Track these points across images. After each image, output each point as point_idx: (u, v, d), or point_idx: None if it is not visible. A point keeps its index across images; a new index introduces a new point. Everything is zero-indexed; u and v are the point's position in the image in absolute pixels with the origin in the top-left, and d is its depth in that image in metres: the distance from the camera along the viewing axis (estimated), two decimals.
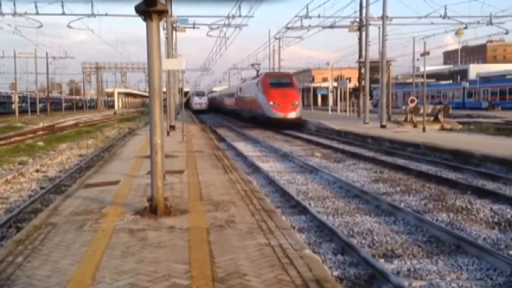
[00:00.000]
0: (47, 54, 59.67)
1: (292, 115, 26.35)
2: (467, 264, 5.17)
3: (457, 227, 6.58)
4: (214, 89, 77.04)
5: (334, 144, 17.27)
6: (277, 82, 27.81)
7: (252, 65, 40.07)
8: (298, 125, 26.40)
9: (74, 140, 22.53)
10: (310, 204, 8.07)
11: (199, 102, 60.03)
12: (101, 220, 5.91)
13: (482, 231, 6.36)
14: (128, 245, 4.90)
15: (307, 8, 28.55)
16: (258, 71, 36.81)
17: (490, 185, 9.29)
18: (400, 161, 12.82)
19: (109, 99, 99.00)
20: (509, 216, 6.98)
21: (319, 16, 29.20)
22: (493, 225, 6.59)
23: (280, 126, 25.65)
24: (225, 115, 47.51)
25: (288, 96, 26.55)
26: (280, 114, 26.18)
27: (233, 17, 28.07)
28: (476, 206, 7.61)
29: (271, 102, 26.51)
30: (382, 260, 5.33)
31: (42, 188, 10.40)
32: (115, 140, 21.80)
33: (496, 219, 6.89)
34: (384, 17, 22.50)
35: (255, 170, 11.91)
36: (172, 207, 6.25)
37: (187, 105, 60.38)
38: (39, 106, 57.39)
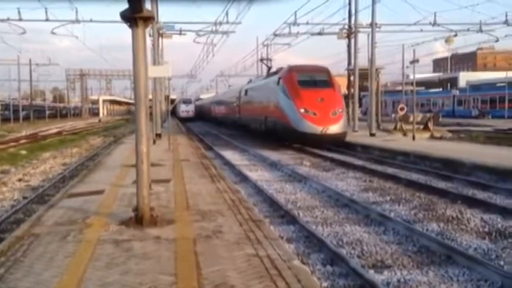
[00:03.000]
0: (30, 61, 59.22)
1: (334, 129, 18.13)
2: (457, 275, 5.12)
3: (448, 237, 6.54)
4: (201, 97, 76.82)
5: (323, 152, 17.23)
6: (310, 80, 19.68)
7: (261, 60, 31.80)
8: (340, 143, 18.63)
9: (57, 148, 22.22)
10: (299, 213, 7.99)
11: (186, 110, 59.77)
12: (85, 231, 5.78)
13: (473, 241, 6.32)
14: (113, 256, 4.79)
15: (296, 15, 28.51)
16: (270, 68, 28.46)
17: (480, 195, 9.29)
18: (390, 170, 12.81)
19: (94, 106, 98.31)
20: (499, 226, 6.96)
21: (307, 23, 29.17)
22: (483, 235, 6.56)
23: (316, 144, 18.40)
24: (218, 125, 42.11)
25: (327, 100, 18.64)
26: (316, 128, 17.96)
27: (220, 23, 27.99)
28: (466, 215, 7.58)
29: (302, 110, 18.32)
30: (371, 271, 5.27)
31: (24, 197, 10.21)
32: (100, 149, 21.56)
33: (486, 229, 6.87)
34: (372, 24, 22.65)
35: (243, 179, 11.81)
36: (158, 217, 6.13)
37: (174, 113, 60.18)
38: (22, 114, 56.72)
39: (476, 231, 6.77)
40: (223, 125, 38.78)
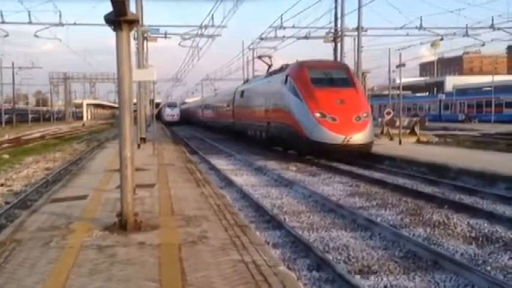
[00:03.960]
0: (13, 64, 58.47)
1: (359, 138, 14.91)
2: (444, 281, 5.11)
3: (434, 242, 6.54)
4: (186, 100, 76.52)
5: (309, 157, 17.21)
6: (326, 78, 16.61)
7: (259, 57, 26.95)
8: (366, 153, 15.51)
9: (40, 152, 21.95)
10: (285, 219, 7.94)
11: (171, 114, 59.51)
12: (68, 236, 5.68)
13: (459, 246, 6.33)
14: (96, 262, 4.70)
15: (282, 19, 28.50)
16: (270, 66, 24.56)
17: (467, 199, 9.33)
18: (377, 175, 12.84)
19: (77, 110, 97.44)
20: (486, 231, 6.99)
21: (293, 27, 29.12)
22: (470, 240, 6.57)
23: (335, 157, 15.49)
24: (208, 130, 39.46)
25: (348, 102, 15.55)
26: (336, 137, 14.73)
27: (206, 26, 27.89)
28: (453, 220, 7.60)
29: (318, 114, 15.18)
30: (358, 276, 5.24)
31: (7, 202, 10.07)
32: (83, 153, 21.32)
33: (473, 234, 6.89)
34: (359, 28, 22.75)
35: (229, 183, 11.74)
36: (142, 223, 6.05)
37: (159, 117, 59.88)
38: (4, 118, 55.95)
39: (463, 236, 6.78)
40: (216, 131, 35.33)
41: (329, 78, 16.63)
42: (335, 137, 14.75)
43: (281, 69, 19.94)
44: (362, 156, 15.24)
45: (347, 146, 14.85)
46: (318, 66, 17.64)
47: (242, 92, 25.75)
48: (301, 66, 17.48)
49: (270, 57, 25.45)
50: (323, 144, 14.92)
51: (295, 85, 16.50)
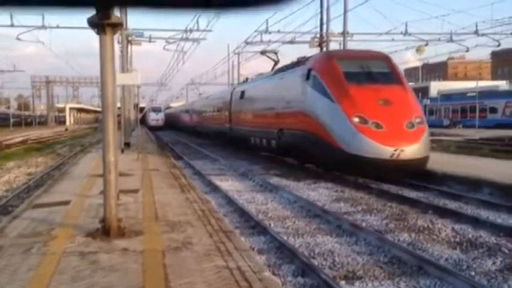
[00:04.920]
0: None
1: (412, 151, 11.49)
2: (429, 286, 5.12)
3: (419, 247, 6.56)
4: (171, 105, 76.22)
5: (294, 162, 17.22)
6: (362, 71, 13.10)
7: (263, 52, 22.69)
8: (419, 171, 11.94)
9: (22, 157, 21.63)
10: (270, 224, 7.91)
11: (156, 119, 59.23)
12: (49, 243, 5.58)
13: (444, 251, 6.36)
14: (78, 269, 4.62)
15: (267, 23, 28.61)
16: (276, 62, 20.97)
17: (451, 205, 9.38)
18: (361, 180, 12.87)
19: (60, 114, 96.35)
20: (470, 236, 7.03)
21: (279, 31, 29.30)
22: (454, 246, 6.60)
23: (381, 174, 11.90)
24: (198, 136, 36.66)
25: (396, 104, 12.14)
26: (383, 150, 11.32)
27: (191, 30, 27.82)
28: (437, 225, 7.64)
29: (356, 119, 11.78)
30: (343, 282, 5.23)
31: None
32: (66, 158, 21.06)
33: (457, 239, 6.92)
34: (344, 33, 22.93)
35: (213, 189, 11.69)
36: (126, 229, 5.97)
37: (143, 121, 59.50)
38: None
39: (447, 242, 6.81)
40: (208, 138, 32.25)
41: (367, 72, 12.97)
42: (381, 150, 11.14)
43: (298, 62, 16.10)
44: (413, 174, 11.78)
45: (397, 162, 11.22)
46: (351, 56, 14.07)
47: (242, 93, 22.03)
48: (329, 57, 14.15)
49: (275, 52, 21.49)
50: (364, 159, 11.25)
51: (323, 81, 12.93)
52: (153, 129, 54.27)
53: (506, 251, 6.28)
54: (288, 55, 24.53)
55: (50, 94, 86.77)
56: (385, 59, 14.02)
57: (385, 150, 11.23)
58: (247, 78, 24.72)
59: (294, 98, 14.82)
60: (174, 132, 49.76)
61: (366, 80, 12.75)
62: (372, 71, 13.09)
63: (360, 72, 13.02)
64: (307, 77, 13.83)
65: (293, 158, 16.25)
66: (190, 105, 45.42)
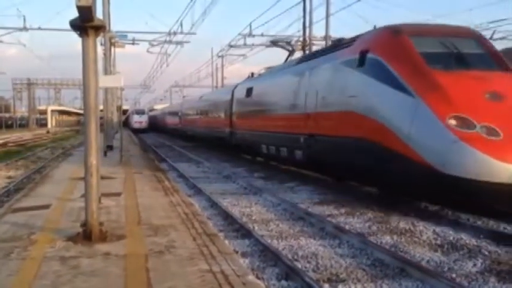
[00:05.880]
0: None
1: None
2: None
3: (401, 249, 6.61)
4: (155, 107, 75.81)
5: (279, 165, 17.26)
6: (449, 52, 9.13)
7: (274, 42, 20.14)
8: None
9: (2, 160, 21.27)
10: (254, 227, 7.90)
11: (139, 121, 58.82)
12: (30, 247, 5.51)
13: (425, 253, 6.41)
14: (59, 273, 4.57)
15: (251, 26, 28.78)
16: (291, 52, 17.95)
17: (432, 207, 9.41)
18: (344, 183, 12.92)
19: (42, 117, 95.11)
20: (451, 238, 7.09)
21: (262, 35, 29.52)
22: (436, 248, 6.66)
23: (494, 204, 7.56)
24: (182, 139, 35.11)
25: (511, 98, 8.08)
26: (502, 169, 7.07)
27: (174, 33, 27.84)
28: (419, 228, 7.69)
29: (454, 122, 7.68)
30: (326, 285, 5.23)
31: None
32: (47, 161, 20.80)
33: (438, 241, 6.98)
34: (326, 37, 23.16)
35: (197, 191, 11.64)
36: (108, 233, 5.93)
37: (127, 124, 59.03)
38: None
39: (428, 244, 6.87)
40: (202, 142, 29.32)
41: (455, 53, 9.16)
42: (498, 169, 7.19)
43: (337, 46, 11.97)
44: None
45: None
46: (427, 32, 9.82)
47: (249, 90, 18.16)
48: (396, 32, 9.61)
49: (289, 42, 18.94)
50: (472, 183, 7.28)
51: (392, 67, 9.00)
52: (136, 131, 53.92)
53: None
54: (271, 60, 24.49)
55: (31, 96, 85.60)
56: (476, 36, 9.97)
57: (504, 169, 7.17)
58: (252, 74, 21.37)
59: (335, 92, 10.75)
60: (158, 135, 49.49)
61: (456, 64, 8.92)
62: (462, 52, 9.20)
63: (445, 54, 9.14)
64: (361, 62, 9.77)
65: (330, 174, 12.52)
66: (180, 107, 41.71)
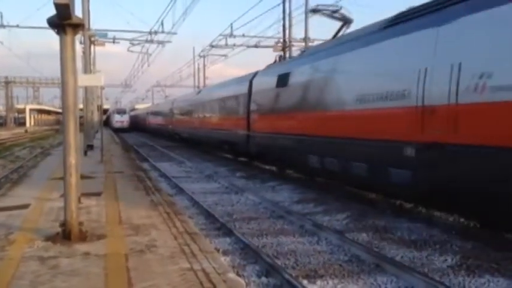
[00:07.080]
0: None
1: None
2: (386, 283, 5.28)
3: (377, 246, 6.74)
4: (137, 107, 75.22)
5: (261, 165, 17.34)
6: None
7: (315, 10, 13.33)
8: None
9: None
10: (235, 225, 7.97)
11: (120, 121, 58.34)
12: (7, 247, 5.46)
13: (400, 249, 6.55)
14: (38, 274, 4.54)
15: (232, 27, 28.84)
16: (346, 22, 12.45)
17: (407, 205, 9.62)
18: (322, 181, 13.04)
19: (20, 116, 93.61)
20: (424, 234, 7.25)
21: (243, 35, 29.61)
22: (409, 244, 6.80)
23: None
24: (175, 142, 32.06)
25: None
26: None
27: (155, 32, 27.69)
28: (394, 224, 7.85)
29: None
30: (305, 281, 5.32)
31: None
32: (26, 160, 20.50)
33: (412, 237, 7.13)
34: (306, 39, 23.38)
35: (179, 191, 11.65)
36: (88, 232, 5.90)
37: (107, 123, 58.51)
38: None
39: (403, 240, 7.01)
40: (204, 148, 25.25)
41: None
42: None
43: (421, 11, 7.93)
44: None
45: None
46: None
47: (282, 78, 12.97)
48: None
49: (337, 10, 12.69)
50: None
51: None
52: (117, 131, 53.45)
53: None
54: (251, 62, 24.32)
55: (9, 94, 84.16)
56: None
57: None
58: (280, 57, 17.28)
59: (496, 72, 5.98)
60: (140, 135, 49.10)
61: None
62: None
63: None
64: None
65: (483, 218, 7.35)
66: (170, 104, 36.73)
